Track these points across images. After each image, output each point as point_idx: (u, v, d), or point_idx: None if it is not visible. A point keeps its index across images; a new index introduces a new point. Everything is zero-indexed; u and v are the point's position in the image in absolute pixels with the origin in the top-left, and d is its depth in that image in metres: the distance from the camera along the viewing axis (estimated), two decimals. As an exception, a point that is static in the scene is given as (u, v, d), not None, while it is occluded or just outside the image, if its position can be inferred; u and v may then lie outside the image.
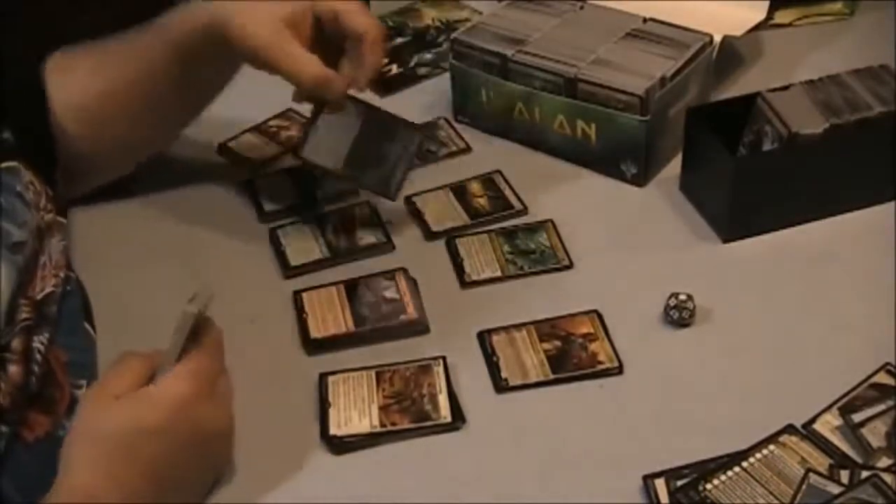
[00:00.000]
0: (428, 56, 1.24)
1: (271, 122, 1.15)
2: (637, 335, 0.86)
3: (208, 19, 0.88)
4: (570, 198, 1.01)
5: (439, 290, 0.91)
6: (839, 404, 0.77)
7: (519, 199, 1.01)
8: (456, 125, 1.12)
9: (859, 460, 0.74)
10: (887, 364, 0.80)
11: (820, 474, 0.71)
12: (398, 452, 0.78)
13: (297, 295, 0.91)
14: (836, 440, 0.75)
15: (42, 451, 0.73)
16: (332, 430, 0.79)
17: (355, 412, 0.80)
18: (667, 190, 1.01)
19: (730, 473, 0.72)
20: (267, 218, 1.01)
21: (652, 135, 1.00)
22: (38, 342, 0.76)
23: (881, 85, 0.96)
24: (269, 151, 1.10)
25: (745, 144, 0.98)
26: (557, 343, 0.85)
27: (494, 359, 0.84)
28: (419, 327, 0.87)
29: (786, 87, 0.97)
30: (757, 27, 1.14)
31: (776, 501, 0.70)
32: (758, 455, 0.73)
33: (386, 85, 1.20)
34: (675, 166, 1.02)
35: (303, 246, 0.97)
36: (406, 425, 0.79)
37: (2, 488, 0.71)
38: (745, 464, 0.73)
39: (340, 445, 0.78)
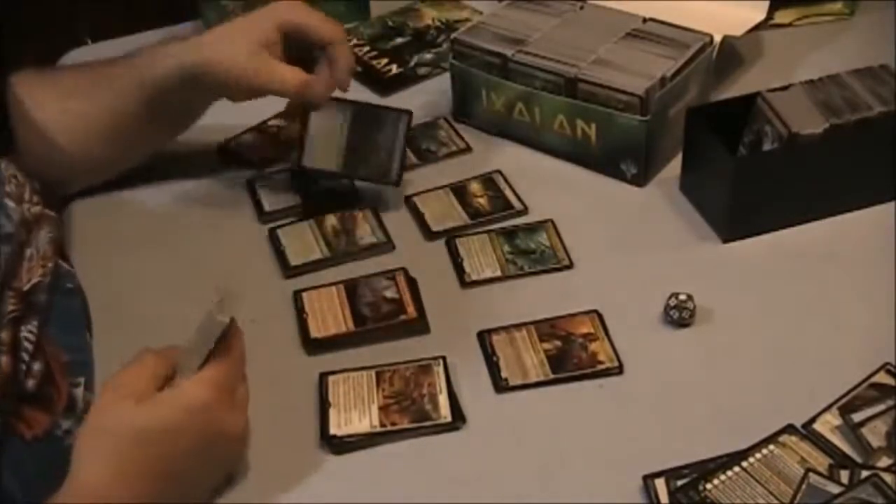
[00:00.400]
0: (428, 56, 1.24)
1: (271, 122, 1.15)
2: (637, 335, 0.86)
3: (180, 64, 0.91)
4: (570, 198, 1.01)
5: (439, 290, 0.91)
6: (839, 404, 0.77)
7: (519, 199, 1.01)
8: (456, 125, 1.12)
9: (859, 460, 0.74)
10: (887, 364, 0.80)
11: (820, 474, 0.71)
12: (398, 452, 0.78)
13: (297, 295, 0.91)
14: (836, 440, 0.75)
15: (41, 450, 0.73)
16: (332, 430, 0.79)
17: (355, 412, 0.80)
18: (667, 190, 1.01)
19: (730, 473, 0.72)
20: (267, 218, 1.01)
21: (652, 135, 1.00)
22: (27, 331, 0.76)
23: (881, 85, 0.96)
24: (269, 151, 1.10)
25: (745, 144, 0.98)
26: (557, 343, 0.85)
27: (494, 359, 0.84)
28: (419, 327, 0.87)
29: (786, 87, 0.97)
30: (757, 27, 1.14)
31: (776, 501, 0.70)
32: (758, 455, 0.73)
33: (386, 85, 1.20)
34: (675, 166, 1.02)
35: (303, 246, 0.97)
36: (406, 425, 0.79)
37: (4, 486, 0.71)
38: (745, 464, 0.73)
39: (340, 445, 0.78)
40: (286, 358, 0.86)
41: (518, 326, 0.87)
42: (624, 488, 0.73)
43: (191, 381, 0.70)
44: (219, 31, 0.96)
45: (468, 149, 1.09)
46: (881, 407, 0.76)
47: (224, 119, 1.15)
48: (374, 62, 1.24)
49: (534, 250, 0.95)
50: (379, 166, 0.99)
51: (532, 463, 0.76)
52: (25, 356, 0.75)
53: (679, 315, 0.86)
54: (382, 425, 0.79)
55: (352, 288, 0.91)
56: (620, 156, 1.02)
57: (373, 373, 0.83)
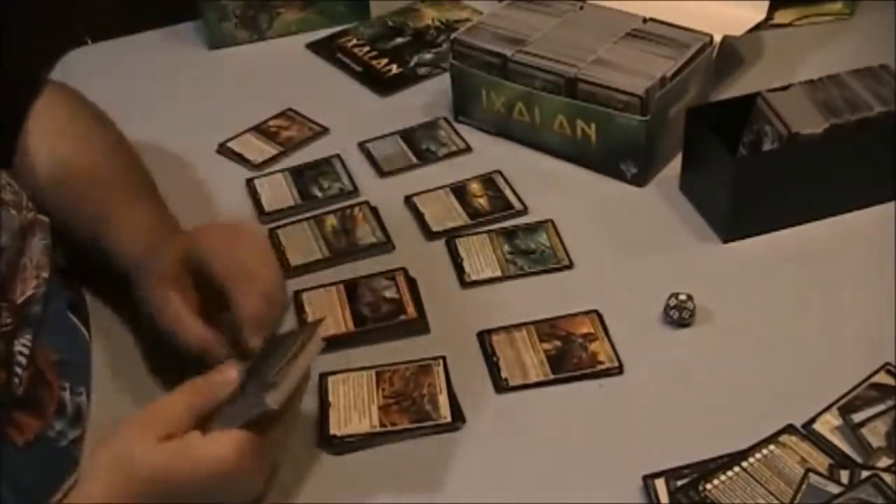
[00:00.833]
0: (428, 56, 1.24)
1: (271, 122, 1.15)
2: (637, 335, 0.85)
3: (117, 262, 0.85)
4: (570, 198, 1.01)
5: (439, 290, 0.91)
6: (839, 404, 0.77)
7: (519, 199, 1.01)
8: (456, 125, 1.12)
9: (859, 460, 0.74)
10: (887, 364, 0.80)
11: (820, 474, 0.71)
12: (398, 452, 0.78)
13: (297, 295, 0.91)
14: (836, 440, 0.75)
15: (34, 455, 0.72)
16: (332, 430, 0.79)
17: (355, 412, 0.80)
18: (667, 190, 1.01)
19: (730, 473, 0.72)
20: (267, 218, 1.01)
21: (652, 135, 1.00)
22: (20, 345, 0.76)
23: (881, 85, 0.96)
24: (269, 151, 1.10)
25: (745, 144, 0.98)
26: (557, 343, 0.85)
27: (494, 359, 0.84)
28: (419, 327, 0.87)
29: (786, 87, 0.97)
30: (757, 27, 1.14)
31: (776, 501, 0.70)
32: (758, 455, 0.73)
33: (386, 85, 1.20)
34: (675, 166, 1.02)
35: (303, 246, 0.97)
36: (406, 425, 0.79)
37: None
38: (745, 464, 0.73)
39: (340, 445, 0.78)
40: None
41: (518, 326, 0.87)
42: (624, 488, 0.73)
43: (221, 435, 0.69)
44: (154, 245, 0.83)
45: (468, 149, 1.09)
46: (881, 407, 0.76)
47: (224, 119, 1.15)
48: (374, 62, 1.24)
49: (534, 250, 0.95)
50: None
51: (532, 463, 0.76)
52: (18, 370, 0.75)
53: (679, 315, 0.86)
54: (382, 425, 0.79)
55: (352, 288, 0.91)
56: (620, 156, 1.02)
57: (373, 373, 0.83)
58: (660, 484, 0.72)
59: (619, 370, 0.82)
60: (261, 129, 1.14)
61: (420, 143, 1.10)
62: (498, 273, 0.93)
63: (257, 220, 1.01)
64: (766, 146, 0.95)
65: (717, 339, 0.85)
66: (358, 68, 1.23)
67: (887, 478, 0.70)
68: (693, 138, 0.98)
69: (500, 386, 0.82)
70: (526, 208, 1.00)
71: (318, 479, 0.76)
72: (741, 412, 0.78)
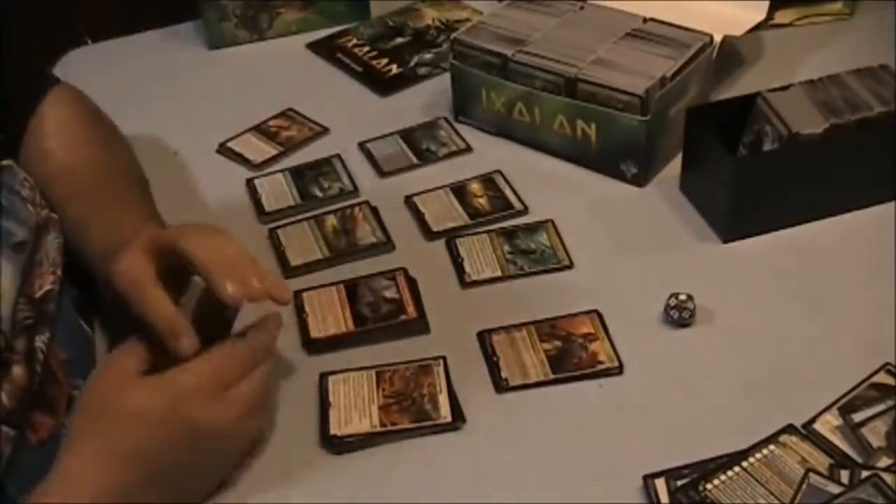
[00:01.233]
0: (428, 56, 1.24)
1: (271, 122, 1.15)
2: (637, 335, 0.85)
3: (97, 265, 0.84)
4: (570, 198, 1.01)
5: (439, 290, 0.91)
6: (839, 404, 0.77)
7: (519, 199, 1.01)
8: (456, 125, 1.12)
9: (859, 460, 0.74)
10: (887, 364, 0.80)
11: (820, 474, 0.71)
12: (398, 452, 0.78)
13: (297, 295, 0.91)
14: (836, 440, 0.75)
15: (46, 453, 0.73)
16: (332, 430, 0.79)
17: (355, 412, 0.80)
18: (667, 190, 1.01)
19: (730, 473, 0.72)
20: (267, 218, 1.01)
21: (652, 135, 1.00)
22: (40, 342, 0.76)
23: (881, 85, 0.96)
24: (269, 151, 1.10)
25: (745, 144, 0.98)
26: (557, 343, 0.85)
27: (494, 359, 0.84)
28: (419, 327, 0.87)
29: (786, 87, 0.97)
30: (757, 27, 1.14)
31: (776, 501, 0.70)
32: (758, 455, 0.73)
33: (386, 85, 1.20)
34: (675, 166, 1.02)
35: (303, 246, 0.97)
36: (406, 425, 0.79)
37: (7, 492, 0.70)
38: (745, 464, 0.73)
39: (340, 445, 0.78)
40: (286, 358, 0.86)
41: (518, 326, 0.87)
42: (624, 488, 0.73)
43: (180, 368, 0.70)
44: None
45: (468, 149, 1.09)
46: (881, 407, 0.76)
47: (224, 119, 1.15)
48: (374, 62, 1.24)
49: (534, 250, 0.95)
50: None
51: (532, 463, 0.76)
52: (38, 367, 0.75)
53: (679, 315, 0.86)
54: (382, 425, 0.79)
55: (352, 288, 0.91)
56: (620, 156, 1.02)
57: (373, 373, 0.83)
58: (660, 484, 0.72)
59: (619, 370, 0.82)
60: (261, 129, 1.14)
61: (420, 143, 1.10)
62: (498, 273, 0.93)
63: (257, 220, 1.01)
64: (766, 146, 0.95)
65: (717, 339, 0.85)
66: (358, 68, 1.24)
67: (887, 478, 0.70)
68: (693, 138, 0.98)
69: (500, 386, 0.82)
70: (526, 208, 1.00)
71: (318, 479, 0.76)
72: (741, 412, 0.78)
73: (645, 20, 1.08)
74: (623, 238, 0.97)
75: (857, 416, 0.75)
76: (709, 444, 0.75)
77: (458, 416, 0.79)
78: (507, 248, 0.95)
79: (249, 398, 0.73)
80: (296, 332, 0.88)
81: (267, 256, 0.96)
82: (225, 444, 0.74)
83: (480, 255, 0.95)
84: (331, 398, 0.81)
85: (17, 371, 0.72)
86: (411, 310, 0.88)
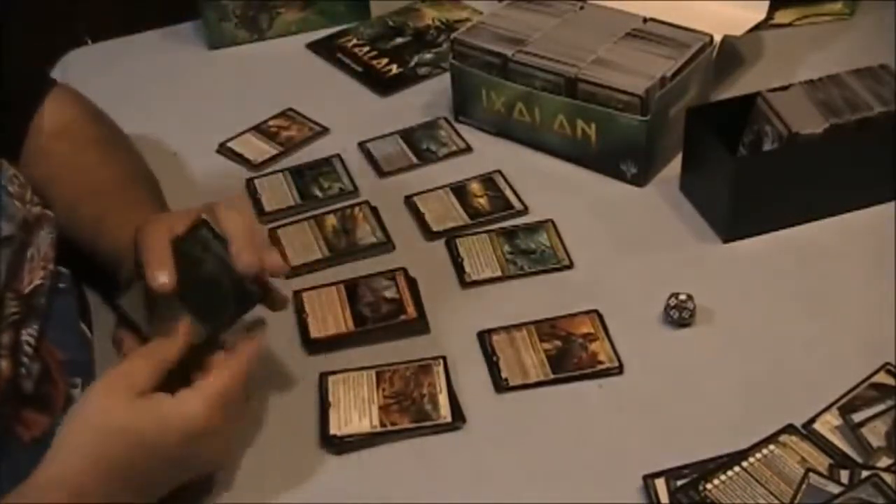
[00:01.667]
0: (428, 56, 1.24)
1: (271, 122, 1.15)
2: (637, 335, 0.86)
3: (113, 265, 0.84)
4: (570, 198, 1.01)
5: (439, 290, 0.91)
6: (839, 404, 0.77)
7: (519, 199, 1.01)
8: (456, 125, 1.12)
9: (859, 460, 0.74)
10: (887, 364, 0.80)
11: (820, 474, 0.71)
12: (398, 452, 0.78)
13: (297, 295, 0.91)
14: (836, 440, 0.75)
15: (40, 452, 0.73)
16: (332, 430, 0.79)
17: (355, 412, 0.80)
18: (667, 190, 1.01)
19: (730, 473, 0.72)
20: (267, 218, 1.01)
21: (652, 135, 1.00)
22: (27, 335, 0.76)
23: (881, 85, 0.96)
24: (269, 151, 1.10)
25: (745, 144, 0.98)
26: (557, 343, 0.85)
27: (494, 359, 0.84)
28: (419, 327, 0.87)
29: (786, 87, 0.97)
30: (757, 27, 1.14)
31: (776, 501, 0.70)
32: (758, 455, 0.73)
33: (386, 85, 1.20)
34: (675, 166, 1.02)
35: (303, 246, 0.97)
36: (406, 425, 0.79)
37: (2, 489, 0.70)
38: (745, 464, 0.73)
39: (340, 445, 0.78)
40: (286, 358, 0.86)
41: (518, 326, 0.87)
42: (624, 488, 0.73)
43: (190, 391, 0.70)
44: None
45: (468, 149, 1.09)
46: (881, 407, 0.76)
47: (224, 119, 1.15)
48: (375, 62, 1.24)
49: (534, 250, 0.95)
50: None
51: (532, 463, 0.76)
52: (25, 359, 0.75)
53: (679, 315, 0.86)
54: (382, 425, 0.79)
55: (352, 288, 0.91)
56: (620, 156, 1.02)
57: (373, 373, 0.83)
58: (660, 484, 0.72)
59: (619, 370, 0.82)
60: (261, 129, 1.14)
61: (420, 143, 1.10)
62: (498, 273, 0.93)
63: (257, 220, 1.01)
64: (766, 146, 0.95)
65: (717, 339, 0.85)
66: (358, 68, 1.24)
67: (887, 478, 0.70)
68: (693, 138, 0.98)
69: (500, 386, 0.82)
70: (526, 208, 1.00)
71: (318, 479, 0.76)
72: (741, 412, 0.78)
73: (645, 20, 1.08)
74: (623, 238, 0.97)
75: (857, 416, 0.75)
76: (709, 444, 0.75)
77: (458, 416, 0.79)
78: (507, 248, 0.95)
79: (240, 414, 0.74)
80: (296, 331, 0.88)
81: (267, 256, 0.96)
82: (214, 464, 0.74)
83: (480, 255, 0.95)
84: (331, 398, 0.81)
85: (2, 364, 0.72)
86: (411, 310, 0.88)
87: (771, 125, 0.95)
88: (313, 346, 0.86)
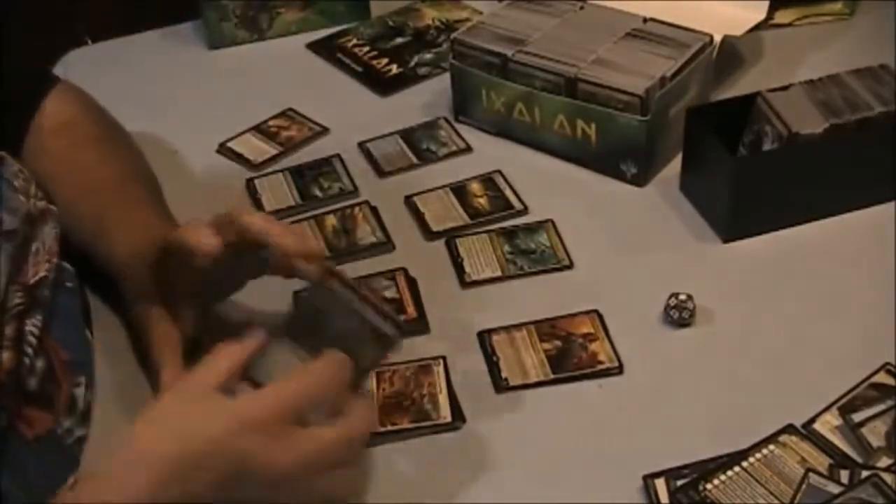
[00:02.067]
0: (428, 56, 1.24)
1: (271, 122, 1.15)
2: (637, 335, 0.85)
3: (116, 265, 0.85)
4: (570, 198, 1.01)
5: (439, 290, 0.91)
6: (839, 404, 0.77)
7: (519, 199, 1.01)
8: (456, 125, 1.12)
9: (859, 460, 0.74)
10: (887, 364, 0.80)
11: (820, 474, 0.71)
12: (398, 452, 0.78)
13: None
14: (836, 440, 0.75)
15: (43, 450, 0.73)
16: (333, 430, 0.79)
17: (355, 412, 0.80)
18: (667, 190, 1.01)
19: (730, 473, 0.72)
20: (267, 218, 1.01)
21: (652, 135, 1.00)
22: (31, 325, 0.76)
23: (881, 85, 0.96)
24: (269, 151, 1.10)
25: (745, 144, 0.98)
26: (557, 343, 0.85)
27: (494, 359, 0.84)
28: (419, 327, 0.87)
29: (786, 87, 0.97)
30: (757, 27, 1.14)
31: (776, 501, 0.70)
32: (758, 455, 0.73)
33: (386, 85, 1.20)
34: (675, 166, 1.02)
35: (303, 246, 0.97)
36: (406, 425, 0.79)
37: (3, 487, 0.70)
38: (745, 464, 0.73)
39: (340, 445, 0.78)
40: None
41: (518, 326, 0.87)
42: (624, 488, 0.73)
43: (248, 394, 0.67)
44: None
45: (468, 149, 1.09)
46: (881, 407, 0.76)
47: (224, 119, 1.15)
48: (374, 62, 1.24)
49: (534, 250, 0.95)
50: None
51: (532, 463, 0.76)
52: (29, 350, 0.75)
53: (679, 315, 0.86)
54: (382, 425, 0.79)
55: (352, 288, 0.91)
56: (620, 156, 1.02)
57: (373, 373, 0.83)
58: (660, 484, 0.72)
59: (619, 370, 0.82)
60: (261, 129, 1.14)
61: (420, 143, 1.10)
62: (498, 273, 0.93)
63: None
64: (766, 146, 0.95)
65: (717, 339, 0.85)
66: (358, 68, 1.24)
67: (887, 478, 0.70)
68: (693, 138, 0.98)
69: (500, 386, 0.82)
70: (526, 208, 1.00)
71: (318, 479, 0.76)
72: (741, 412, 0.78)
73: (645, 20, 1.08)
74: (623, 238, 0.97)
75: (857, 416, 0.75)
76: (709, 444, 0.75)
77: (458, 416, 0.79)
78: (507, 247, 0.95)
79: (314, 447, 0.67)
80: (296, 332, 0.88)
81: (267, 256, 0.96)
82: (271, 491, 0.68)
83: (480, 254, 0.95)
84: (331, 398, 0.81)
85: (6, 356, 0.72)
86: (411, 310, 0.88)
87: (771, 125, 0.95)
88: (313, 346, 0.86)
